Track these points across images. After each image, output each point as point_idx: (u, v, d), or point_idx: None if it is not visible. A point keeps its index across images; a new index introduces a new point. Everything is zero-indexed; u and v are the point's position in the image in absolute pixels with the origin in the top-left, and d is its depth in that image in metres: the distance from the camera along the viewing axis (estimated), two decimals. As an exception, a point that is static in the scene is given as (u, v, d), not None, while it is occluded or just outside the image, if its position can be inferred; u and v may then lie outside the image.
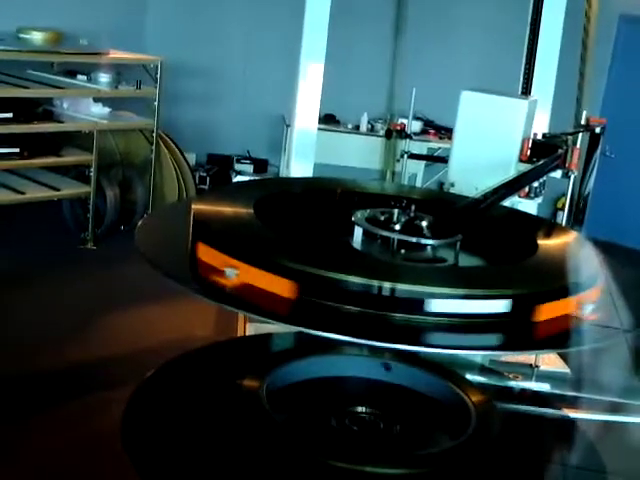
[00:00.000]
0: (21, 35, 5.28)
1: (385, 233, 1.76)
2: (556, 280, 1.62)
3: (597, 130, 3.36)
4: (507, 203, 2.37)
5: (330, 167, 4.70)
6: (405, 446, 1.82)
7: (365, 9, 6.31)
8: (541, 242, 1.84)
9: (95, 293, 4.59)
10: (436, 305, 1.45)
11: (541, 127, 3.41)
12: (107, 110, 5.56)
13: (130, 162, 5.77)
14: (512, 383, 2.38)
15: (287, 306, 1.48)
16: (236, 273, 1.48)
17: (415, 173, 6.21)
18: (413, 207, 1.86)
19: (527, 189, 2.96)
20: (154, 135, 5.59)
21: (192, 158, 6.54)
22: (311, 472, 1.60)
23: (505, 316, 1.50)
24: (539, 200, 3.15)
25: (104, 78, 5.45)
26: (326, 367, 2.03)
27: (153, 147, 5.61)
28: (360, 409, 1.92)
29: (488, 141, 3.07)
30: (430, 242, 1.77)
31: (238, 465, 1.65)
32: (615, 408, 3.14)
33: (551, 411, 2.17)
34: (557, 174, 3.15)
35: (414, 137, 5.82)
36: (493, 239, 1.97)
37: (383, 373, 2.04)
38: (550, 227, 2.17)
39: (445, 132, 6.33)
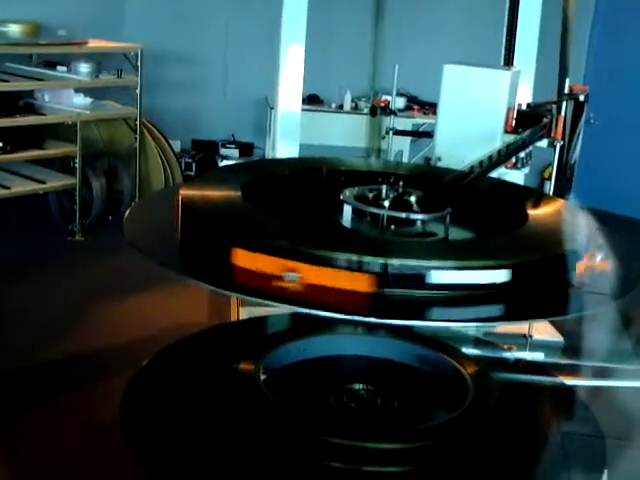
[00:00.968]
0: (-2, 28, 5.23)
1: (374, 210, 1.76)
2: (547, 249, 1.63)
3: (581, 98, 3.37)
4: (494, 174, 2.37)
5: (316, 147, 4.69)
6: (404, 421, 1.83)
7: (344, -13, 6.29)
8: (530, 212, 1.85)
9: (86, 284, 4.58)
10: (429, 278, 1.45)
11: (525, 97, 3.42)
12: (89, 100, 5.52)
13: (115, 152, 5.73)
14: (507, 354, 2.39)
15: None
16: (297, 277, 1.45)
17: (401, 150, 6.20)
18: (401, 183, 1.86)
19: (514, 160, 2.96)
20: (137, 123, 5.56)
21: (177, 145, 6.50)
22: (311, 450, 1.61)
23: (497, 287, 1.51)
24: (526, 170, 3.15)
25: (84, 68, 5.40)
26: (321, 347, 2.03)
27: (137, 136, 5.58)
28: (357, 387, 1.93)
29: (473, 114, 3.07)
30: (419, 217, 1.77)
31: (238, 447, 1.66)
32: (608, 373, 3.17)
33: (546, 379, 2.18)
34: (543, 144, 3.15)
35: (398, 113, 5.80)
36: (482, 211, 1.97)
37: (379, 350, 2.05)
38: (538, 196, 2.17)
39: (429, 107, 6.32)
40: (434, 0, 6.61)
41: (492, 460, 1.71)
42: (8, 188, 5.00)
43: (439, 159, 3.09)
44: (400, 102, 6.10)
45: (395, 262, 1.45)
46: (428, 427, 1.75)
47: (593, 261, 1.62)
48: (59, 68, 5.47)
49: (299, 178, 2.10)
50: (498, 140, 3.00)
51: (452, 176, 2.03)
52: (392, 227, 1.75)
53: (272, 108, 5.23)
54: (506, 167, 2.96)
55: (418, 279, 1.45)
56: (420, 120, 6.38)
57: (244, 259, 1.48)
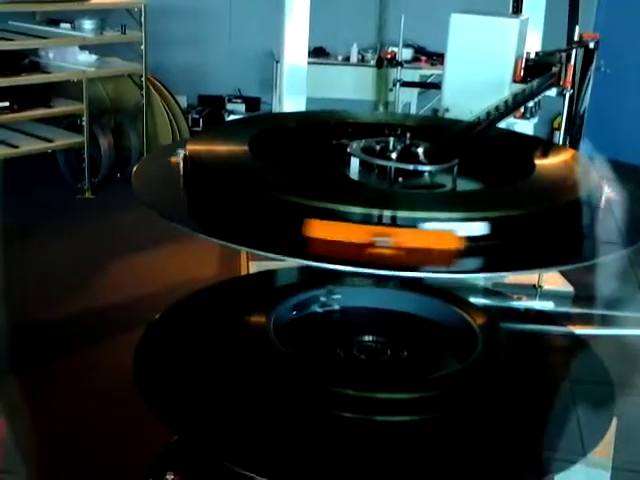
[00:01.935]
0: (0, -14, 5.18)
1: (382, 162, 1.75)
2: (555, 198, 1.62)
3: (591, 45, 3.32)
4: (503, 125, 2.36)
5: (323, 100, 4.66)
6: (414, 371, 1.84)
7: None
8: (538, 162, 1.84)
9: (97, 242, 4.61)
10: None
11: (534, 46, 3.37)
12: (94, 57, 5.49)
13: (121, 109, 5.71)
14: (516, 304, 2.40)
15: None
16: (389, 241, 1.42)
17: (409, 101, 6.16)
18: (408, 135, 1.85)
19: (522, 110, 2.93)
20: (143, 80, 5.53)
21: (183, 101, 6.47)
22: (322, 401, 1.63)
23: (505, 237, 1.51)
24: (535, 120, 3.13)
25: (88, 25, 5.36)
26: (331, 299, 2.04)
27: (143, 92, 5.55)
28: (367, 338, 1.94)
29: (481, 63, 3.04)
30: (427, 168, 1.76)
31: (249, 399, 1.68)
32: (618, 321, 3.18)
33: (556, 328, 2.19)
34: (552, 93, 3.12)
35: (405, 65, 5.75)
36: (490, 162, 1.96)
37: (388, 302, 2.06)
38: (547, 146, 2.16)
39: (437, 58, 6.25)
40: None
41: (502, 409, 1.73)
42: (16, 147, 5.01)
43: (447, 110, 3.07)
44: (407, 53, 6.04)
45: (394, 213, 1.45)
46: (438, 377, 1.77)
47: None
48: (62, 25, 5.43)
49: (306, 131, 2.09)
50: (506, 90, 2.97)
51: (460, 127, 2.01)
52: (400, 179, 1.74)
53: (278, 62, 5.19)
54: (515, 117, 2.94)
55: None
56: (427, 71, 6.32)
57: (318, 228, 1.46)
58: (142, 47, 5.44)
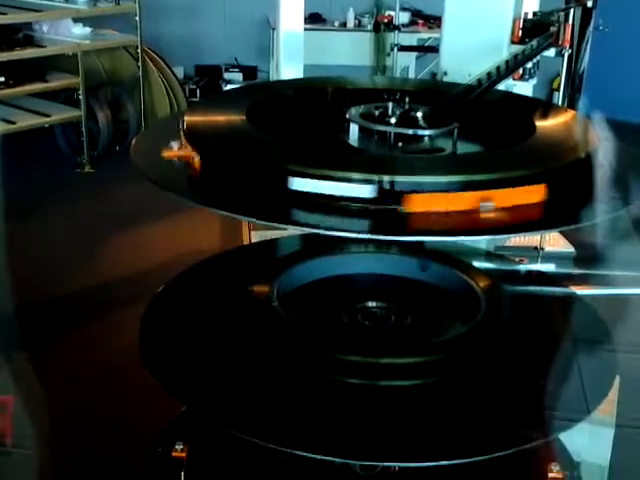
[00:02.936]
0: (-9, -41, 5.13)
1: (381, 127, 1.74)
2: (558, 157, 1.62)
3: (589, 4, 3.29)
4: (502, 87, 2.34)
5: (320, 67, 4.63)
6: (418, 336, 1.85)
7: None
8: (538, 123, 1.83)
9: (98, 215, 4.62)
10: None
11: (531, 6, 3.34)
12: (88, 30, 5.45)
13: (117, 81, 5.68)
14: (518, 266, 2.40)
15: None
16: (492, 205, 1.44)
17: (407, 66, 6.12)
18: (407, 99, 1.84)
19: (521, 71, 2.91)
20: (139, 51, 5.49)
21: (180, 71, 6.44)
22: (326, 367, 1.64)
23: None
24: (534, 81, 3.11)
25: (81, -4, 5.32)
26: (333, 266, 2.05)
27: (139, 64, 5.51)
28: (371, 304, 1.95)
29: (478, 25, 3.01)
30: (427, 132, 1.75)
31: (255, 367, 1.69)
32: (621, 281, 3.19)
33: (558, 289, 2.20)
34: (550, 53, 3.10)
35: (403, 29, 5.71)
36: (490, 124, 1.95)
37: (391, 267, 2.06)
38: (546, 107, 2.14)
39: (434, 21, 6.20)
40: None
41: (505, 370, 1.74)
42: (14, 123, 4.99)
43: (445, 74, 3.05)
44: (404, 17, 5.99)
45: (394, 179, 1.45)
46: (441, 341, 1.78)
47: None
48: (55, -2, 5.39)
49: (304, 99, 2.08)
50: (504, 51, 2.95)
51: (459, 90, 2.00)
52: (399, 144, 1.73)
53: (274, 29, 5.15)
54: (513, 79, 2.92)
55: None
56: (425, 35, 6.27)
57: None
58: (137, 18, 5.40)
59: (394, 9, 4.52)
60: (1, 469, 2.51)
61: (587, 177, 1.60)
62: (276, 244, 2.34)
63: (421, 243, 2.01)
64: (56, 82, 5.24)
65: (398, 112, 1.79)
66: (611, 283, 3.20)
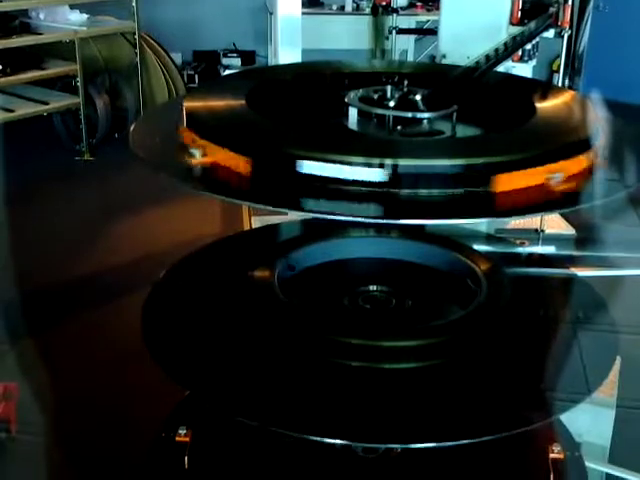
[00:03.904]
0: (-14, -54, 5.10)
1: (379, 111, 1.74)
2: (558, 139, 1.61)
3: (588, -16, 3.28)
4: (501, 69, 2.33)
5: (319, 52, 4.62)
6: (419, 319, 1.86)
7: None
8: (538, 105, 1.82)
9: (98, 203, 4.62)
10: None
11: (530, -13, 3.32)
12: (85, 17, 5.43)
13: (115, 68, 5.66)
14: (519, 249, 2.40)
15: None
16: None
17: (405, 49, 6.10)
18: (406, 82, 1.84)
19: (520, 53, 2.91)
20: (136, 38, 5.47)
21: (178, 57, 6.41)
22: (329, 351, 1.65)
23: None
24: (533, 63, 3.10)
25: (77, -17, 5.29)
26: (334, 251, 2.05)
27: (137, 50, 5.49)
28: (372, 288, 1.95)
29: (477, 7, 3.00)
30: (426, 115, 1.75)
31: (257, 352, 1.70)
32: (621, 263, 3.19)
33: (559, 271, 2.20)
34: (550, 34, 3.09)
35: (401, 12, 5.68)
36: (489, 107, 1.95)
37: (392, 251, 2.06)
38: (546, 88, 2.14)
39: (432, 3, 6.17)
40: None
41: (507, 352, 1.75)
42: (12, 111, 4.98)
43: (444, 56, 3.04)
44: (402, 0, 5.96)
45: (396, 162, 1.44)
46: (443, 323, 1.78)
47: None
48: (52, -16, 5.36)
49: (303, 83, 2.07)
50: (503, 33, 2.94)
51: (458, 72, 2.00)
52: (399, 127, 1.73)
53: (271, 13, 5.13)
54: (513, 60, 2.91)
55: (423, 178, 1.45)
56: (424, 17, 6.25)
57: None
58: (133, 4, 5.38)
59: (392, -8, 4.52)
60: (6, 454, 2.53)
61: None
62: (277, 229, 2.35)
63: (422, 227, 2.01)
64: (54, 70, 5.23)
65: (397, 95, 1.78)
66: (611, 265, 3.20)
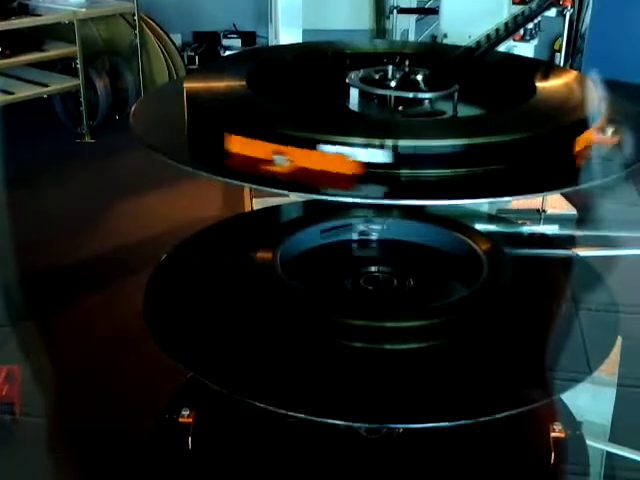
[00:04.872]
0: None
1: (381, 91, 1.74)
2: (559, 119, 1.61)
3: (590, -38, 3.25)
4: (502, 48, 2.32)
5: (319, 32, 4.59)
6: (421, 300, 1.86)
7: None
8: (539, 84, 1.82)
9: (99, 185, 4.61)
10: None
11: (532, -35, 3.29)
12: (84, -2, 5.40)
13: (115, 50, 5.64)
14: (521, 229, 2.41)
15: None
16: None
17: (406, 29, 6.05)
18: (407, 62, 1.83)
19: (522, 32, 2.89)
20: (136, 19, 5.44)
21: (178, 38, 6.38)
22: (331, 332, 1.65)
23: (506, 161, 1.50)
24: (535, 42, 3.09)
25: (75, -37, 5.26)
26: (335, 232, 2.05)
27: (137, 32, 5.47)
28: (373, 269, 1.96)
29: (478, -14, 2.98)
30: (427, 95, 1.74)
31: (260, 333, 1.70)
32: (622, 242, 3.19)
33: (560, 252, 2.21)
34: (552, 13, 3.07)
35: (402, -9, 5.63)
36: (490, 86, 1.94)
37: (393, 232, 2.06)
38: (547, 68, 2.13)
39: (434, -17, 6.12)
40: None
41: (508, 331, 1.75)
42: (12, 93, 4.96)
43: (445, 36, 3.03)
44: (403, -21, 5.91)
45: (396, 142, 1.44)
46: (445, 303, 1.79)
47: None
48: (50, -35, 5.33)
49: (303, 64, 2.07)
50: (505, 12, 2.92)
51: (459, 52, 1.99)
52: (400, 108, 1.73)
53: (272, -6, 5.09)
54: (514, 40, 2.89)
55: (425, 158, 1.45)
56: (425, -4, 6.20)
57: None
58: (132, -15, 5.35)
59: (393, -29, 4.49)
60: (11, 437, 2.54)
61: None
62: (278, 211, 2.35)
63: (422, 207, 2.02)
64: (53, 51, 5.20)
65: (398, 75, 1.78)
66: (613, 244, 3.20)
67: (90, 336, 3.09)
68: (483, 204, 2.40)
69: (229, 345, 1.70)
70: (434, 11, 4.55)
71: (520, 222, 2.47)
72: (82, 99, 5.21)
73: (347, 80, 1.79)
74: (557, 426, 1.88)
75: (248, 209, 3.42)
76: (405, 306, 1.82)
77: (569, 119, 1.61)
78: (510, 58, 2.27)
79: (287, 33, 3.55)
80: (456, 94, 1.77)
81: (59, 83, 5.22)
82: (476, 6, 2.90)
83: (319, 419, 1.50)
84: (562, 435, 1.87)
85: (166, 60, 5.67)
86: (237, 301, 1.80)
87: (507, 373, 1.65)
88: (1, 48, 4.84)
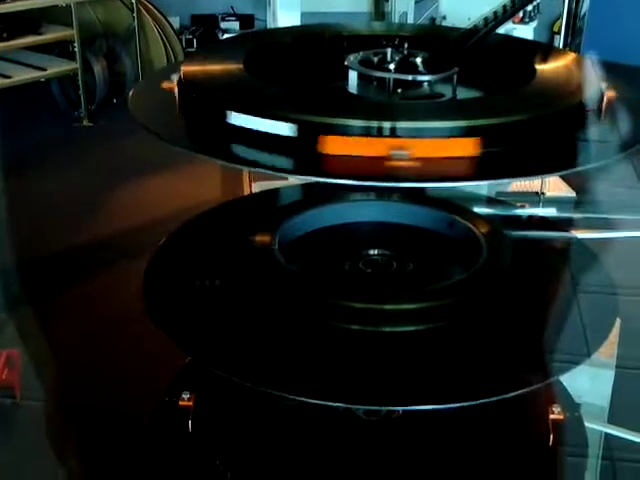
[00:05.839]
0: None
1: (380, 74, 1.73)
2: (558, 101, 1.61)
3: (590, -57, 3.23)
4: (502, 30, 2.31)
5: (318, 15, 4.57)
6: (420, 282, 1.87)
7: None
8: (538, 67, 1.81)
9: (98, 169, 4.60)
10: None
11: (531, -54, 3.28)
12: (81, -20, 5.35)
13: (113, 33, 5.61)
14: (519, 211, 2.40)
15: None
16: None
17: (405, 11, 6.02)
18: (406, 45, 1.82)
19: (521, 14, 2.88)
20: (134, 2, 5.41)
21: (176, 21, 6.35)
22: (330, 315, 1.66)
23: (505, 144, 1.50)
24: (534, 24, 3.07)
25: (72, -55, 5.21)
26: (334, 215, 2.05)
27: (134, 14, 5.44)
28: (372, 252, 1.96)
29: (477, -33, 2.96)
30: (426, 78, 1.74)
31: (259, 316, 1.71)
32: (621, 225, 3.20)
33: (559, 234, 2.21)
34: (551, -6, 3.06)
35: (401, -27, 5.60)
36: (490, 69, 1.94)
37: (392, 215, 2.06)
38: (546, 50, 2.12)
39: (432, -36, 6.08)
40: None
41: (507, 314, 1.76)
42: (9, 77, 4.94)
43: (444, 18, 3.02)
44: (402, -40, 5.87)
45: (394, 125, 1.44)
46: (444, 286, 1.79)
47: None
48: (46, -54, 5.28)
49: (301, 46, 2.06)
50: (504, -6, 2.90)
51: (458, 35, 1.98)
52: (399, 90, 1.72)
53: (270, -24, 5.05)
54: (513, 22, 2.88)
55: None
56: (424, -22, 6.16)
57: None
58: (130, -33, 5.31)
59: (391, -47, 4.45)
60: (10, 421, 2.55)
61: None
62: (277, 194, 2.34)
63: (422, 189, 2.01)
64: (51, 35, 5.17)
65: (397, 58, 1.77)
66: (612, 227, 3.20)
67: (90, 320, 3.09)
68: (482, 187, 2.40)
69: (228, 328, 1.71)
70: (433, -7, 4.53)
71: (519, 205, 2.46)
72: (80, 83, 5.18)
73: (346, 63, 1.78)
74: (556, 408, 1.89)
75: (247, 192, 3.41)
76: (404, 289, 1.82)
77: (568, 102, 1.60)
78: (509, 40, 2.26)
79: (285, 16, 3.54)
80: (455, 77, 1.77)
81: (56, 67, 5.20)
82: (475, -12, 2.89)
83: (318, 401, 1.51)
84: (561, 417, 1.88)
85: (164, 43, 5.64)
86: (236, 285, 1.81)
87: (506, 355, 1.66)
88: (-2, 32, 4.82)
